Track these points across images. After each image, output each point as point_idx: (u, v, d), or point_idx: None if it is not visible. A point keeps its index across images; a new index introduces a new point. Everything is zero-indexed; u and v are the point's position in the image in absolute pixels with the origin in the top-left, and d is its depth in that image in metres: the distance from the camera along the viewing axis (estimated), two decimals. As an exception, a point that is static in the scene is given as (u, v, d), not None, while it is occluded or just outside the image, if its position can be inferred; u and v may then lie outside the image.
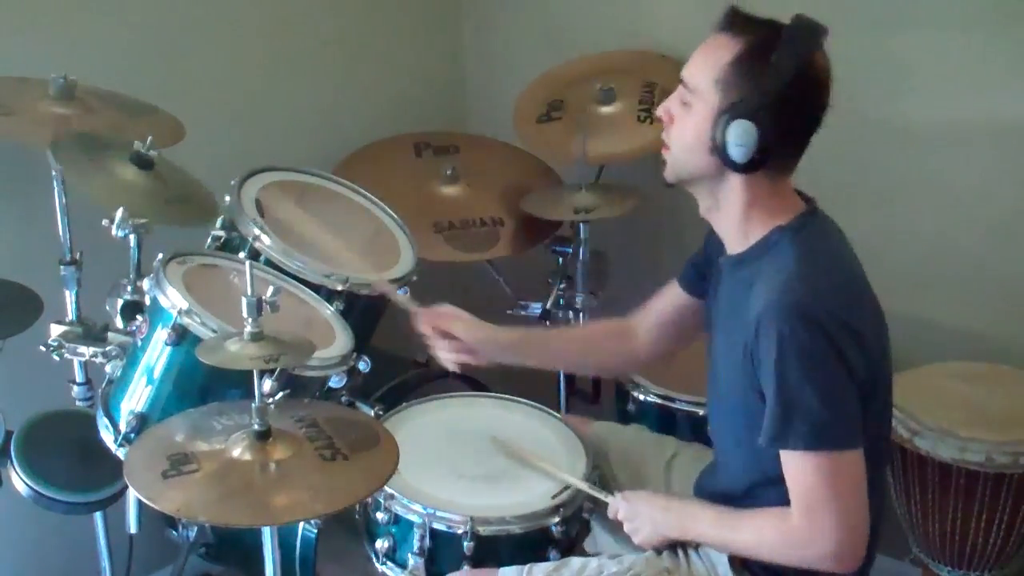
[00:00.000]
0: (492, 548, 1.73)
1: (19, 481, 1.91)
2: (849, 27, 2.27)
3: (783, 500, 1.47)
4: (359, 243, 2.15)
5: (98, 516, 2.10)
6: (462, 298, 2.97)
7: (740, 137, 1.43)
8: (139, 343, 1.79)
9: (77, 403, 2.05)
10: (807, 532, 1.43)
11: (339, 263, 2.01)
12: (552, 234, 2.50)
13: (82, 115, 1.96)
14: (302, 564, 1.95)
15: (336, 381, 1.84)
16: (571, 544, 1.81)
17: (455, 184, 2.56)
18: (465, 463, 1.86)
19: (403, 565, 1.76)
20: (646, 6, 2.66)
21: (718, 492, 1.64)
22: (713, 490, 1.67)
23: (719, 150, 1.46)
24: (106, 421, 1.79)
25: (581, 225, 2.40)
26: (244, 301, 1.49)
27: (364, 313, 2.04)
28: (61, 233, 1.99)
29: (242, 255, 1.94)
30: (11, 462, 1.92)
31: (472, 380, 2.33)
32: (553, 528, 1.74)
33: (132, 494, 1.93)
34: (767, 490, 1.52)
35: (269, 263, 1.94)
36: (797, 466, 1.43)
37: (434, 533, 1.73)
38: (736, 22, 1.47)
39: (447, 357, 1.88)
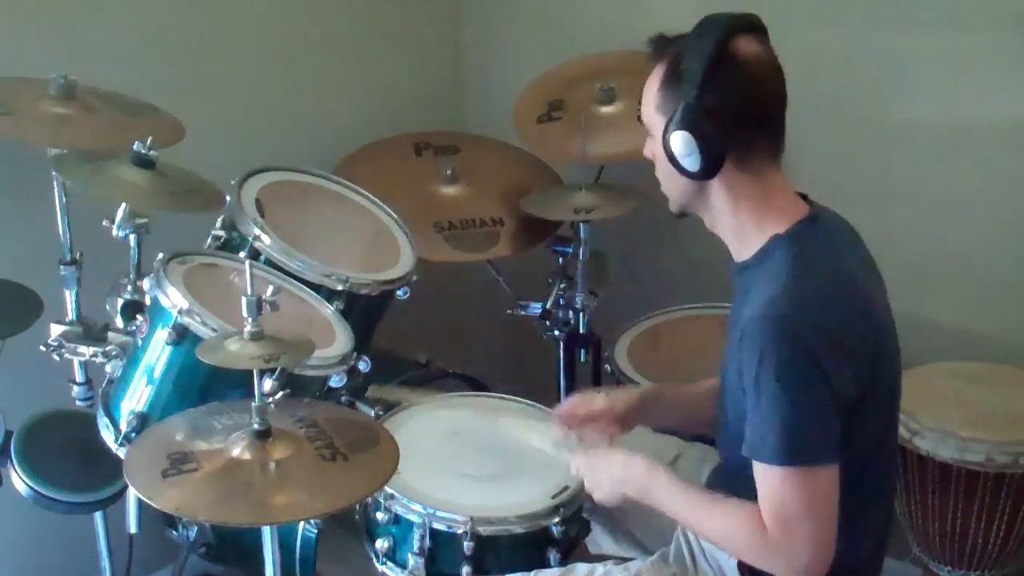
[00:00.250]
0: (492, 548, 1.73)
1: (19, 481, 1.91)
2: (849, 27, 2.29)
3: None
4: (359, 243, 2.15)
5: (98, 516, 2.10)
6: (462, 298, 3.00)
7: (682, 148, 1.46)
8: (139, 343, 1.79)
9: (77, 403, 2.05)
10: (776, 543, 1.42)
11: (339, 263, 2.01)
12: (552, 234, 2.50)
13: (82, 115, 1.96)
14: (302, 564, 1.95)
15: (336, 381, 1.84)
16: (571, 544, 1.81)
17: (455, 184, 2.56)
18: (465, 463, 1.86)
19: (403, 565, 1.76)
20: (646, 6, 2.66)
21: (730, 484, 1.63)
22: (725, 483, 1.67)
23: (677, 167, 1.49)
24: (106, 421, 1.80)
25: (581, 225, 2.40)
26: (244, 301, 1.49)
27: (364, 313, 2.04)
28: (61, 233, 1.99)
29: (242, 255, 1.94)
30: (11, 462, 1.92)
31: (472, 380, 2.33)
32: (553, 528, 1.74)
33: (132, 494, 1.93)
34: None
35: (269, 263, 1.94)
36: (770, 479, 1.42)
37: (434, 533, 1.73)
38: (656, 48, 1.53)
39: (596, 440, 1.79)
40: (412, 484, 1.77)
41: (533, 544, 1.75)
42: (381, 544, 1.78)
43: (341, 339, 1.88)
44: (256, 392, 1.50)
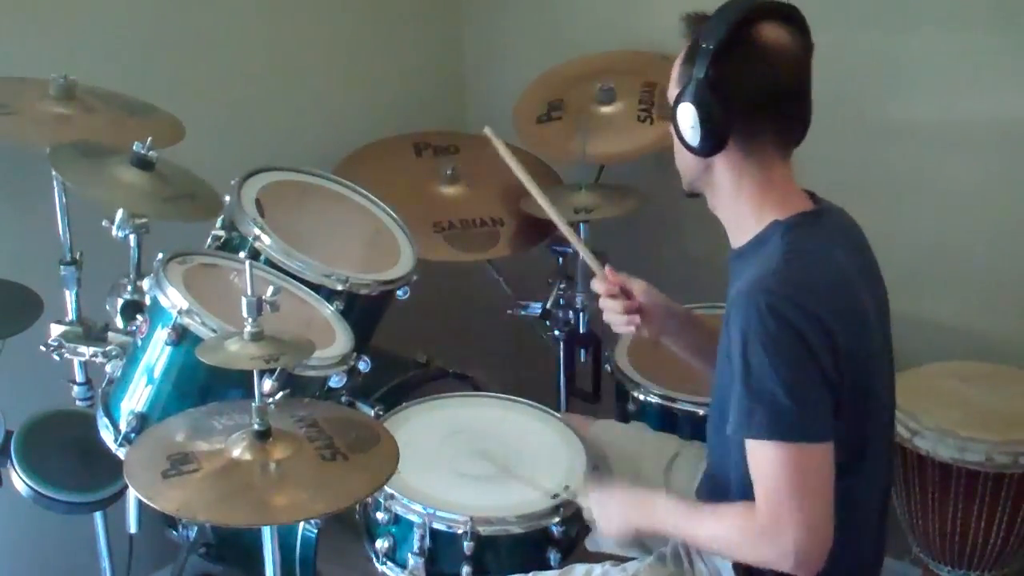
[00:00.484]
0: (492, 548, 1.73)
1: (19, 481, 1.91)
2: (849, 26, 2.29)
3: None
4: (359, 243, 2.15)
5: (98, 516, 2.10)
6: (462, 298, 3.00)
7: (687, 121, 1.48)
8: (139, 343, 1.79)
9: (77, 403, 2.04)
10: (768, 529, 1.40)
11: (339, 263, 2.01)
12: (552, 234, 2.50)
13: (82, 115, 1.96)
14: (302, 564, 1.95)
15: (336, 381, 1.84)
16: (571, 544, 1.81)
17: (455, 184, 2.56)
18: (465, 463, 1.86)
19: (403, 565, 1.76)
20: (646, 6, 2.66)
21: (715, 491, 1.64)
22: (711, 489, 1.67)
23: (681, 140, 1.51)
24: (106, 421, 1.80)
25: (581, 225, 2.40)
26: (244, 301, 1.49)
27: (364, 313, 2.04)
28: (61, 233, 1.99)
29: (242, 255, 1.94)
30: (11, 462, 1.92)
31: (472, 380, 2.33)
32: (553, 528, 1.74)
33: (132, 494, 1.93)
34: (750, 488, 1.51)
35: (269, 263, 1.94)
36: (759, 456, 1.41)
37: (434, 533, 1.73)
38: (687, 25, 1.52)
39: (619, 317, 1.78)
40: (412, 484, 1.77)
41: (533, 544, 1.75)
42: (381, 544, 1.79)
43: (341, 339, 1.88)
44: (256, 392, 1.50)
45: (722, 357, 1.52)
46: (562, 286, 2.47)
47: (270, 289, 1.52)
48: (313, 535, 1.94)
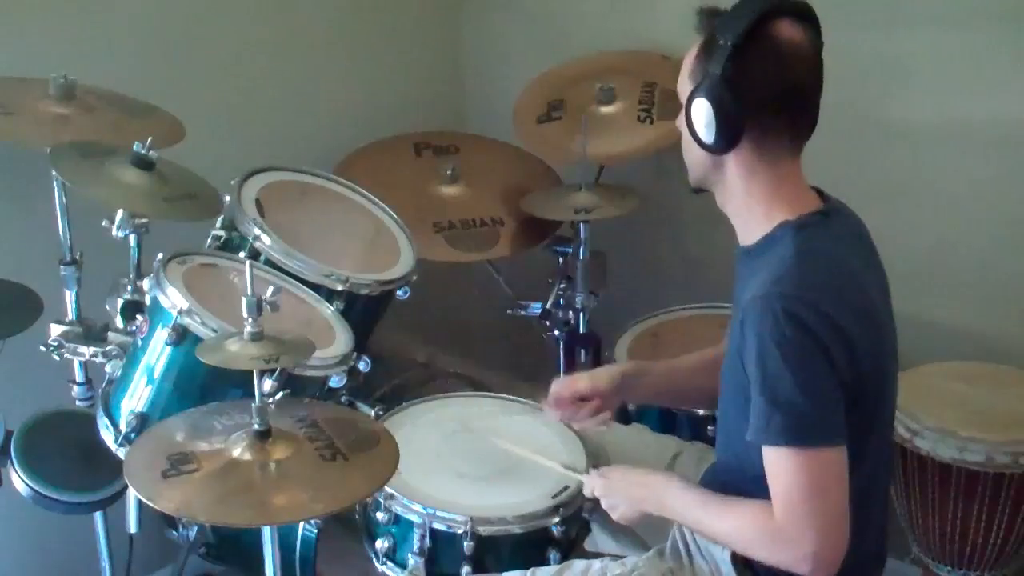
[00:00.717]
0: (492, 548, 1.73)
1: (19, 481, 1.91)
2: (849, 26, 2.28)
3: None
4: (359, 243, 2.15)
5: (98, 516, 2.10)
6: (462, 298, 3.00)
7: (701, 117, 1.47)
8: (139, 343, 1.79)
9: (77, 403, 2.04)
10: (786, 534, 1.41)
11: (339, 263, 2.01)
12: (552, 234, 2.50)
13: (82, 115, 1.96)
14: (302, 564, 1.95)
15: (336, 381, 1.84)
16: (571, 544, 1.81)
17: (455, 184, 2.56)
18: (465, 463, 1.86)
19: (403, 565, 1.76)
20: (646, 6, 2.66)
21: (724, 489, 1.63)
22: (720, 488, 1.67)
23: (695, 137, 1.50)
24: (106, 421, 1.80)
25: (581, 225, 2.40)
26: (244, 301, 1.49)
27: (364, 313, 2.04)
28: (61, 233, 1.99)
29: (242, 255, 1.95)
30: (11, 462, 1.92)
31: (472, 380, 2.33)
32: (553, 528, 1.74)
33: (132, 494, 1.93)
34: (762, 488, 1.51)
35: (269, 263, 1.94)
36: (777, 462, 1.41)
37: (434, 533, 1.73)
38: (701, 20, 1.51)
39: (593, 423, 1.82)
40: (412, 484, 1.77)
41: (533, 544, 1.75)
42: (381, 544, 1.79)
43: (341, 339, 1.88)
44: (256, 392, 1.50)
45: (731, 358, 1.51)
46: (562, 286, 2.47)
47: (270, 289, 1.52)
48: (313, 535, 1.94)
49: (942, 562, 2.13)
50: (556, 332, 2.49)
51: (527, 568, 1.70)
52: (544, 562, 1.74)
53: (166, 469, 1.46)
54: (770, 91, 1.46)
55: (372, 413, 1.97)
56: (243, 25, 2.51)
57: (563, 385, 1.83)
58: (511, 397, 2.07)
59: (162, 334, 1.71)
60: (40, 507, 1.93)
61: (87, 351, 1.93)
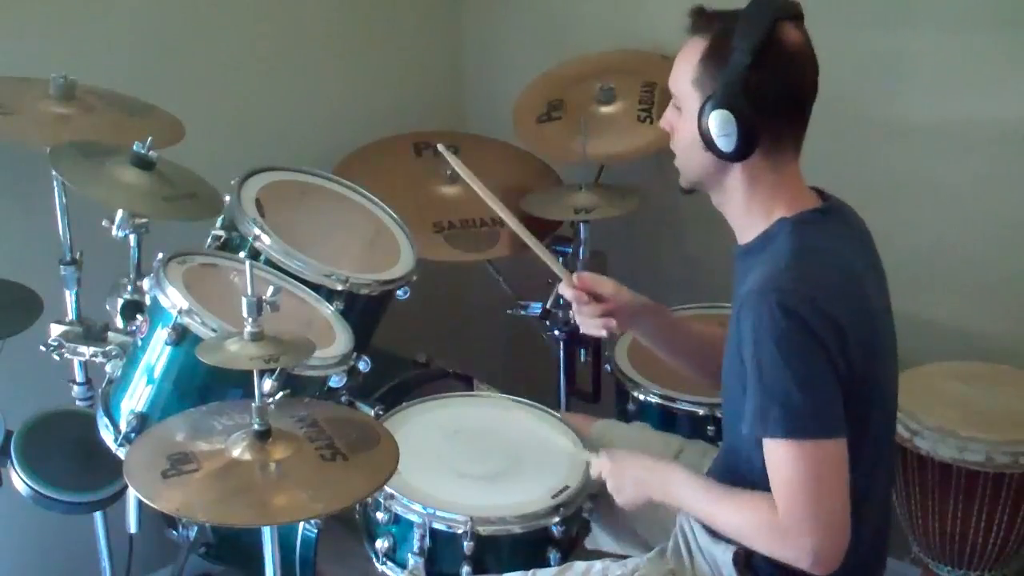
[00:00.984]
0: (492, 548, 1.73)
1: (19, 481, 1.91)
2: (850, 26, 2.28)
3: None
4: (359, 243, 2.15)
5: (98, 516, 2.10)
6: (462, 298, 3.00)
7: (721, 127, 1.46)
8: (139, 343, 1.79)
9: (77, 403, 2.05)
10: (787, 529, 1.41)
11: (339, 263, 2.01)
12: (552, 234, 2.50)
13: (82, 115, 1.96)
14: (302, 564, 1.95)
15: (336, 381, 1.84)
16: (571, 544, 1.81)
17: (455, 184, 2.56)
18: (465, 463, 1.86)
19: (403, 565, 1.76)
20: (646, 6, 2.66)
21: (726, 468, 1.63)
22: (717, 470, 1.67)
23: (709, 145, 1.49)
24: (106, 421, 1.80)
25: (581, 225, 2.40)
26: (244, 301, 1.49)
27: (364, 313, 2.04)
28: (61, 233, 1.99)
29: (242, 255, 1.95)
30: (11, 462, 1.92)
31: (472, 380, 2.33)
32: (553, 528, 1.74)
33: (132, 494, 1.93)
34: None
35: (269, 263, 1.94)
36: (776, 455, 1.42)
37: (434, 533, 1.73)
38: (700, 21, 1.51)
39: (592, 322, 1.77)
40: (412, 484, 1.77)
41: (533, 544, 1.75)
42: (381, 544, 1.78)
43: (341, 339, 1.88)
44: (256, 392, 1.50)
45: (731, 353, 1.52)
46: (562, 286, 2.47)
47: (270, 289, 1.52)
48: (313, 535, 1.94)
49: (942, 562, 2.13)
50: (556, 332, 2.49)
51: (528, 569, 1.70)
52: (544, 562, 1.74)
53: (166, 469, 1.46)
54: (785, 98, 1.47)
55: (372, 413, 1.97)
56: (243, 25, 2.51)
57: (591, 276, 1.80)
58: (511, 397, 2.07)
59: (162, 334, 1.71)
60: (40, 507, 1.93)
61: (87, 351, 1.93)
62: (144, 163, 1.86)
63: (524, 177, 2.64)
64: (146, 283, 1.78)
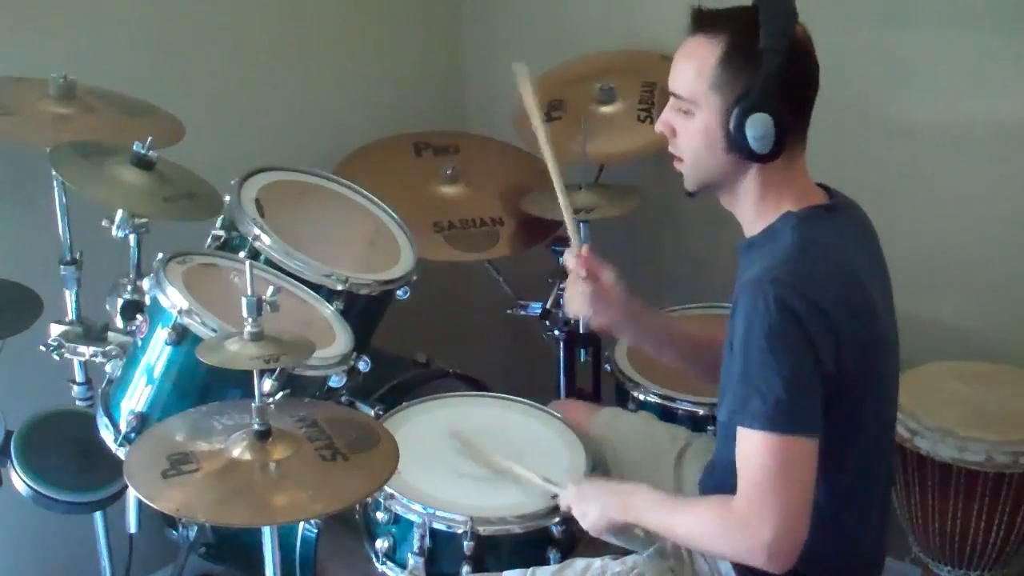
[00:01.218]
0: (492, 548, 1.73)
1: (19, 481, 1.91)
2: (850, 26, 2.29)
3: None
4: (359, 243, 2.15)
5: (98, 516, 2.10)
6: (462, 298, 3.00)
7: (758, 129, 1.44)
8: (139, 343, 1.79)
9: (77, 403, 2.05)
10: (745, 517, 1.40)
11: (339, 263, 2.01)
12: (552, 234, 2.50)
13: (82, 115, 1.96)
14: (302, 564, 1.95)
15: (336, 381, 1.84)
16: (571, 544, 1.80)
17: (455, 184, 2.56)
18: (465, 463, 1.86)
19: (403, 565, 1.76)
20: (646, 6, 2.66)
21: (719, 486, 1.63)
22: (711, 482, 1.67)
23: (738, 147, 1.47)
24: (106, 421, 1.80)
25: (581, 225, 2.40)
26: (244, 301, 1.49)
27: (364, 313, 2.04)
28: (61, 233, 1.99)
29: (242, 255, 1.95)
30: (11, 462, 1.92)
31: (472, 380, 2.33)
32: (553, 528, 1.74)
33: (132, 494, 1.93)
34: None
35: (269, 263, 1.94)
36: (749, 444, 1.41)
37: (434, 533, 1.73)
38: (706, 21, 1.49)
39: (580, 299, 1.79)
40: (412, 484, 1.77)
41: (533, 544, 1.75)
42: (381, 544, 1.78)
43: (341, 339, 1.88)
44: (256, 392, 1.50)
45: (728, 349, 1.52)
46: (562, 286, 2.46)
47: (270, 289, 1.52)
48: (313, 535, 1.94)
49: (942, 562, 2.13)
50: (556, 332, 2.49)
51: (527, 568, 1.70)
52: (544, 562, 1.74)
53: (166, 469, 1.46)
54: (805, 95, 1.48)
55: (372, 413, 1.97)
56: (243, 25, 2.51)
57: (595, 259, 1.81)
58: (511, 397, 2.07)
59: (162, 334, 1.71)
60: (40, 507, 1.93)
61: (87, 351, 1.93)
62: (144, 163, 1.86)
63: (524, 177, 2.63)
64: (146, 283, 1.78)
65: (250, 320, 1.50)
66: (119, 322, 1.93)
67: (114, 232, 1.89)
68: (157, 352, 1.74)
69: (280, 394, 1.63)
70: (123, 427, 1.76)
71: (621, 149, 2.46)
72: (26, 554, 2.32)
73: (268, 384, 1.62)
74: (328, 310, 1.95)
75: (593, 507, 1.65)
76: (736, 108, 1.45)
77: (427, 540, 1.73)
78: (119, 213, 1.88)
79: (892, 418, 1.64)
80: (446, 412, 2.02)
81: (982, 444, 1.95)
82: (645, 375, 2.22)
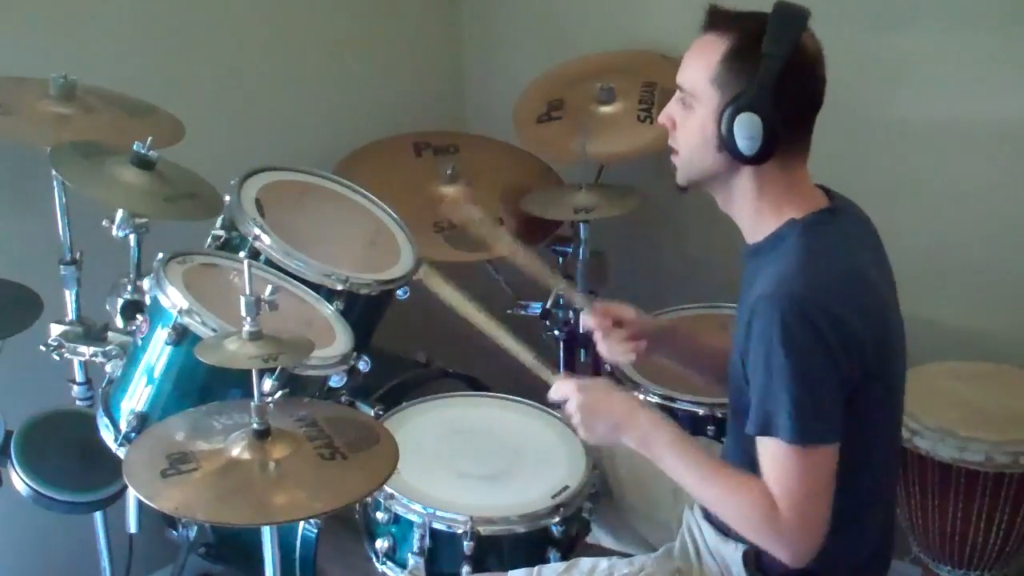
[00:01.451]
0: (492, 548, 1.73)
1: (19, 481, 1.91)
2: (850, 26, 2.29)
3: None
4: (359, 243, 2.15)
5: (98, 516, 2.10)
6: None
7: (746, 130, 1.45)
8: (139, 342, 1.79)
9: (77, 403, 2.05)
10: (790, 526, 1.41)
11: (339, 263, 2.01)
12: (552, 234, 2.50)
13: (82, 115, 1.96)
14: (302, 564, 1.95)
15: (336, 381, 1.84)
16: (571, 544, 1.81)
17: (455, 184, 2.56)
18: (465, 463, 1.86)
19: (403, 565, 1.76)
20: (646, 6, 2.66)
21: None
22: None
23: (727, 146, 1.47)
24: (106, 420, 1.80)
25: (581, 225, 2.40)
26: (243, 301, 1.49)
27: (364, 313, 2.04)
28: (61, 233, 1.99)
29: (242, 255, 1.94)
30: (11, 462, 1.92)
31: (472, 380, 2.33)
32: (553, 528, 1.74)
33: (132, 494, 1.93)
34: None
35: (269, 263, 1.94)
36: (777, 457, 1.42)
37: (434, 533, 1.73)
38: (719, 20, 1.49)
39: (620, 347, 1.78)
40: (412, 484, 1.77)
41: (533, 544, 1.75)
42: (381, 544, 1.79)
43: (341, 339, 1.88)
44: (256, 392, 1.50)
45: (736, 356, 1.52)
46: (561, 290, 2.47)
47: (269, 289, 1.52)
48: (313, 535, 1.94)
49: (942, 562, 2.13)
50: (556, 332, 2.49)
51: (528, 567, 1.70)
52: (544, 562, 1.74)
53: (166, 469, 1.46)
54: (805, 103, 1.48)
55: (372, 413, 1.97)
56: (243, 25, 2.51)
57: (613, 306, 1.80)
58: (511, 397, 2.07)
59: (162, 334, 1.71)
60: (40, 507, 1.93)
61: (87, 351, 1.93)
62: (144, 163, 1.86)
63: (524, 177, 2.64)
64: (146, 283, 1.78)
65: (248, 319, 1.50)
66: (119, 322, 1.93)
67: (114, 232, 1.89)
68: (157, 352, 1.74)
69: (280, 393, 1.63)
70: (123, 427, 1.76)
71: (621, 149, 2.46)
72: (26, 554, 2.32)
73: (268, 384, 1.62)
74: (328, 310, 1.95)
75: (603, 425, 1.61)
76: (730, 107, 1.45)
77: (427, 540, 1.73)
78: (119, 213, 1.88)
79: (900, 418, 1.64)
80: (446, 412, 2.02)
81: (982, 444, 1.95)
82: (645, 375, 2.21)
